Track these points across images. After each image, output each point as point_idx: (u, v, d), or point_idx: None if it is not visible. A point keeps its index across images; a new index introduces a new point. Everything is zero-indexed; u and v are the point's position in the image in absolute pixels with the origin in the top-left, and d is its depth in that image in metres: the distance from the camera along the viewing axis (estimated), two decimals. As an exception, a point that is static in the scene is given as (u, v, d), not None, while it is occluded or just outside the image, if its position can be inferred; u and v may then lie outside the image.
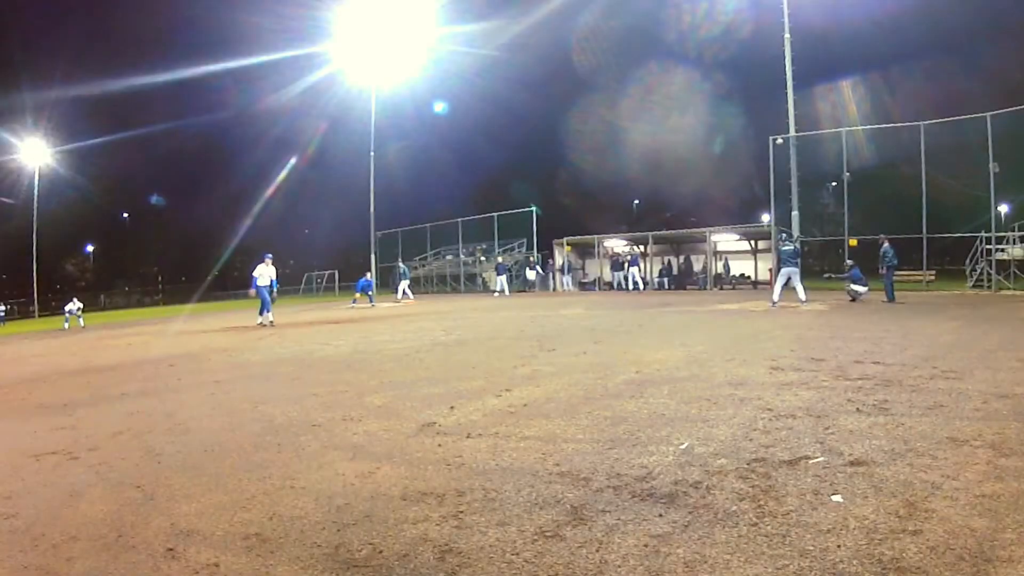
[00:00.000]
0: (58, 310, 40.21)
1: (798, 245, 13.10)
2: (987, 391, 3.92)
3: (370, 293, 21.03)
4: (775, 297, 11.91)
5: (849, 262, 14.00)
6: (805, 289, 12.20)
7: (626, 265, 22.37)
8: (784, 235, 15.75)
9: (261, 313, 13.13)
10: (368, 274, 22.30)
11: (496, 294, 23.46)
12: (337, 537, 2.21)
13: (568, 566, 1.90)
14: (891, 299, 12.47)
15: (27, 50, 57.01)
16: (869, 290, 13.09)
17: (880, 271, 13.09)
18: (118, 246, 57.06)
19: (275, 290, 13.50)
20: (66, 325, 19.89)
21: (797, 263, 12.13)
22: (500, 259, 26.22)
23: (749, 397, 4.03)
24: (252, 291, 13.66)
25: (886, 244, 13.05)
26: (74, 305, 20.67)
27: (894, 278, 13.07)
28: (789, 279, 12.01)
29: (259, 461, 3.19)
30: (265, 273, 13.07)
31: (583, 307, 14.20)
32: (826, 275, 16.43)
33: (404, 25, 29.12)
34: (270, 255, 13.40)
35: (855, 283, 13.04)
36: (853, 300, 12.80)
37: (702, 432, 3.27)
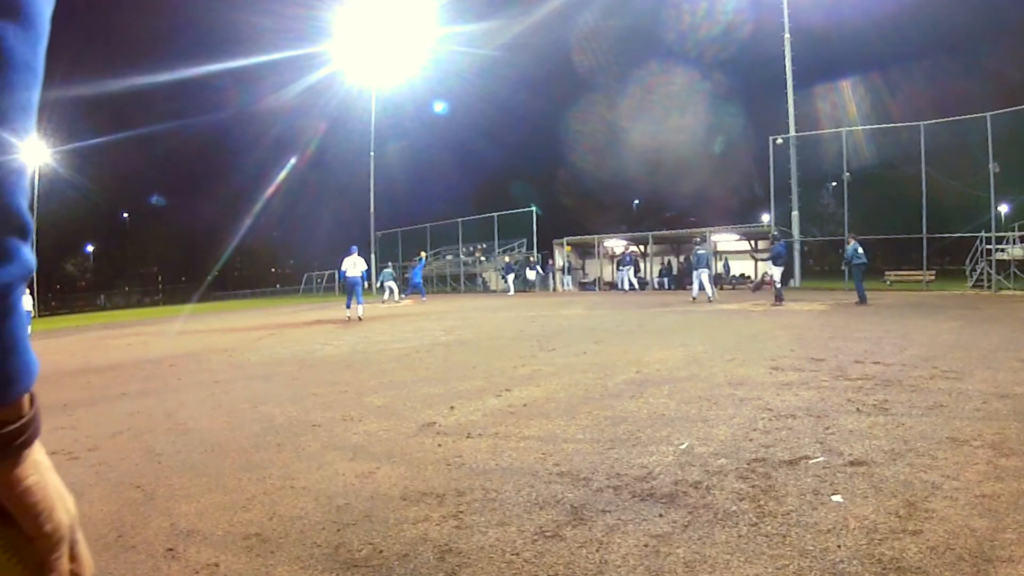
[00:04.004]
0: (59, 310, 40.27)
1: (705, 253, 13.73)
2: (987, 391, 3.92)
3: (393, 290, 21.20)
4: (698, 292, 14.60)
5: (775, 233, 14.06)
6: (783, 288, 12.75)
7: (624, 264, 22.37)
8: (696, 241, 16.50)
9: (348, 305, 13.15)
10: (389, 274, 22.23)
11: (509, 294, 23.46)
12: (337, 537, 2.21)
13: (568, 566, 1.90)
14: (862, 300, 12.01)
15: (27, 50, 56.64)
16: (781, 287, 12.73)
17: (842, 268, 12.98)
18: (118, 246, 57.09)
19: (364, 282, 13.58)
20: None
21: (707, 265, 14.80)
22: (507, 259, 26.20)
23: (749, 397, 4.03)
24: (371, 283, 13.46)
25: (852, 243, 12.66)
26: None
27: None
28: (705, 277, 14.55)
29: (259, 461, 3.19)
30: (357, 265, 13.08)
31: (583, 307, 14.19)
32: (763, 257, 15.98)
33: (404, 25, 29.15)
34: (356, 247, 13.40)
35: (775, 263, 12.64)
36: (778, 300, 12.23)
37: (702, 432, 3.27)
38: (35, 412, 0.50)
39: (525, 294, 24.05)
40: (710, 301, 14.27)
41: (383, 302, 20.82)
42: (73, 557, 0.53)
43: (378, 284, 21.50)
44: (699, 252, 15.03)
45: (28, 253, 0.46)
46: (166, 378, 6.33)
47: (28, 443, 0.49)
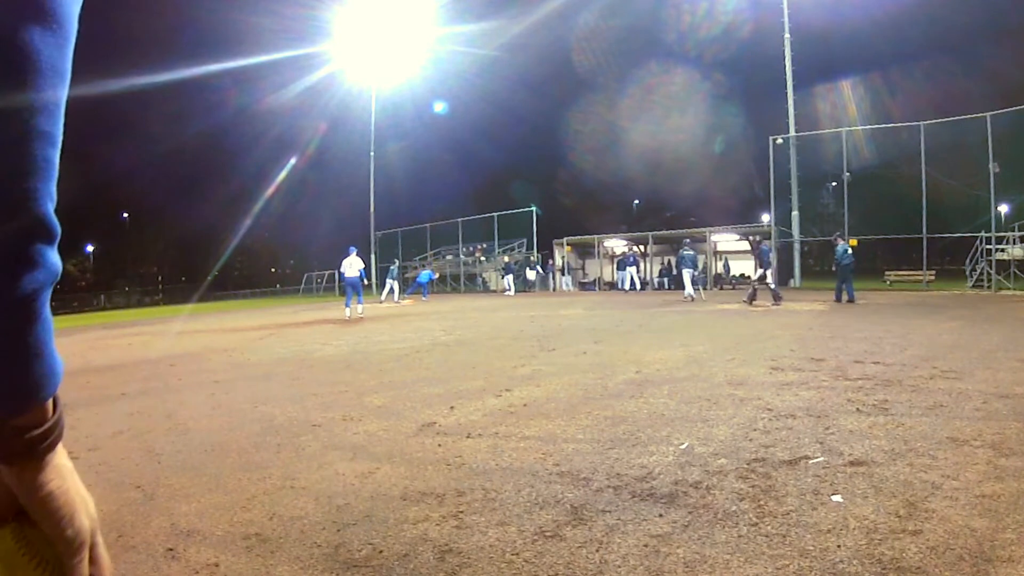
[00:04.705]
0: (58, 311, 40.27)
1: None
2: (987, 391, 3.92)
3: (394, 289, 21.27)
4: (693, 292, 15.10)
5: (757, 237, 14.19)
6: (778, 287, 12.95)
7: (626, 265, 22.41)
8: (685, 240, 16.77)
9: (347, 305, 13.18)
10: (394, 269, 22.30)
11: (506, 293, 23.51)
12: (337, 537, 2.21)
13: (568, 566, 1.90)
14: (838, 299, 12.45)
15: (27, 50, 56.56)
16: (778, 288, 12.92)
17: (833, 268, 13.28)
18: (118, 246, 57.03)
19: (363, 280, 13.72)
20: None
21: (693, 265, 15.31)
22: (506, 259, 26.24)
23: (749, 397, 4.03)
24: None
25: (842, 244, 13.07)
26: None
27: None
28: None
29: (259, 461, 3.19)
30: (355, 265, 13.10)
31: (583, 307, 14.20)
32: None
33: (404, 25, 29.16)
34: (355, 247, 13.46)
35: (762, 265, 12.99)
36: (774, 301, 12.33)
37: (702, 432, 3.27)
38: (59, 416, 0.49)
39: (525, 294, 24.06)
40: (691, 299, 14.87)
41: (381, 300, 20.93)
42: (93, 560, 0.52)
43: (387, 279, 21.75)
44: (684, 252, 15.52)
45: (54, 258, 0.46)
46: (166, 378, 6.33)
47: (51, 447, 0.49)
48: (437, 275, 26.86)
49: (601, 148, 48.62)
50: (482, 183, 51.62)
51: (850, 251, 12.89)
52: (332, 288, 41.58)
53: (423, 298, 22.00)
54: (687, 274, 15.38)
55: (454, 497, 2.53)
